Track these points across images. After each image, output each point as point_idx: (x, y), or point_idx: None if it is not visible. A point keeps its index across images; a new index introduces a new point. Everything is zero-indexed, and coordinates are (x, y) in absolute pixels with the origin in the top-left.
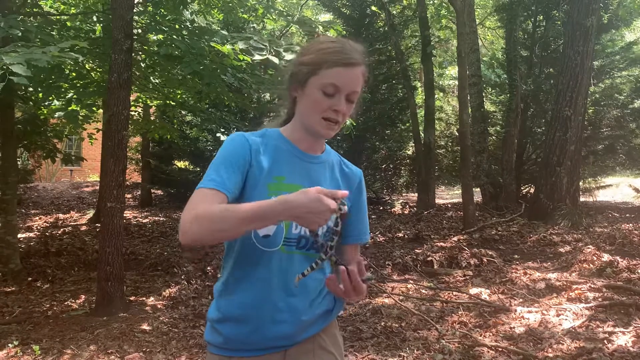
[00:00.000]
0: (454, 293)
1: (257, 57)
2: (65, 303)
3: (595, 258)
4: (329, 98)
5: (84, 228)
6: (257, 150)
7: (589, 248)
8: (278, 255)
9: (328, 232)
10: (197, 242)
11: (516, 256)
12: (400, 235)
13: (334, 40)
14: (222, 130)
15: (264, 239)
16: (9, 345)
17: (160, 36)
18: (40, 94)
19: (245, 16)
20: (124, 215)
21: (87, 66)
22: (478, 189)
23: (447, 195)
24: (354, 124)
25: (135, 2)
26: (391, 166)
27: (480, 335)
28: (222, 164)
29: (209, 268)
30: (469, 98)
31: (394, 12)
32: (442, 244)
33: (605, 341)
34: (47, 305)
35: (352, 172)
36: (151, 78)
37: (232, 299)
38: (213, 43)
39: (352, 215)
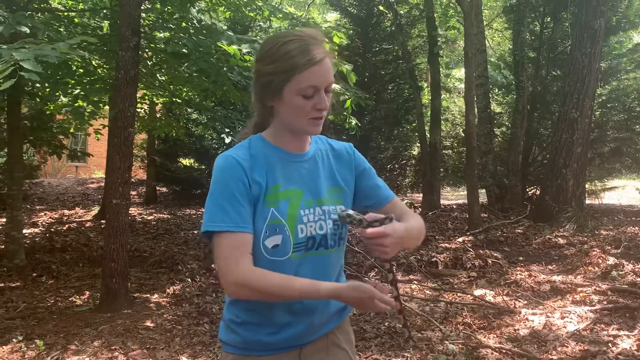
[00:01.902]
0: (458, 294)
1: None
2: (70, 299)
3: (600, 261)
4: (310, 99)
5: (89, 224)
6: (250, 167)
7: (594, 251)
8: (289, 262)
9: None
10: (243, 298)
11: (521, 258)
12: None
13: (293, 39)
14: (227, 130)
15: (274, 249)
16: (14, 340)
17: (167, 34)
18: (48, 90)
19: (252, 15)
20: (129, 212)
21: (94, 62)
22: (483, 190)
23: (452, 196)
24: (359, 124)
25: None
26: (396, 166)
27: (484, 337)
28: (226, 201)
29: (213, 265)
30: (475, 99)
31: (401, 11)
32: (446, 244)
33: (609, 344)
34: (52, 301)
35: (343, 151)
36: (157, 75)
37: (248, 309)
38: (219, 43)
39: (367, 188)
